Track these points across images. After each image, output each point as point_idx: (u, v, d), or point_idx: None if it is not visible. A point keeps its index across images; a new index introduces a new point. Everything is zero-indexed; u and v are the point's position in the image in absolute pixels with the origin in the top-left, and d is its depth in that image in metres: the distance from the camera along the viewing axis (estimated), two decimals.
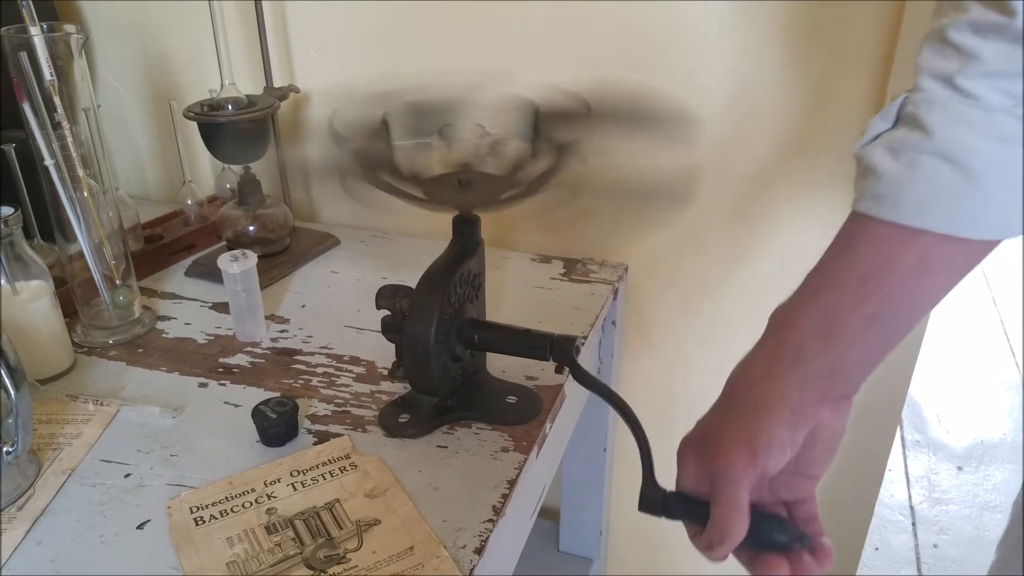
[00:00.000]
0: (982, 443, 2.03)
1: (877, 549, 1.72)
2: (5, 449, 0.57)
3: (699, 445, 0.52)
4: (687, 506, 0.52)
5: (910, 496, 1.87)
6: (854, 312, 0.46)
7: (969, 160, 0.42)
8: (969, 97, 0.42)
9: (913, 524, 1.79)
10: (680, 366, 1.03)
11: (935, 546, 1.73)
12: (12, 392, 0.56)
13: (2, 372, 0.56)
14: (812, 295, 0.48)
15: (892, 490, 1.88)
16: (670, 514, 0.53)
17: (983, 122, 0.42)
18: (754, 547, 0.51)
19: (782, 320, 0.49)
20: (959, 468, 1.95)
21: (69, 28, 0.70)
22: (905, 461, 1.98)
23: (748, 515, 0.48)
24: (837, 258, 0.47)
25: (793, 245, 0.90)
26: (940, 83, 0.43)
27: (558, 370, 0.62)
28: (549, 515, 1.18)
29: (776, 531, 0.50)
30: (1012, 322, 2.55)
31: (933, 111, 0.43)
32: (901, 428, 2.09)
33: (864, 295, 0.45)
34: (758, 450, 0.47)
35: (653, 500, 0.53)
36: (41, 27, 0.68)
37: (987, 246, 0.45)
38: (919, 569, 1.67)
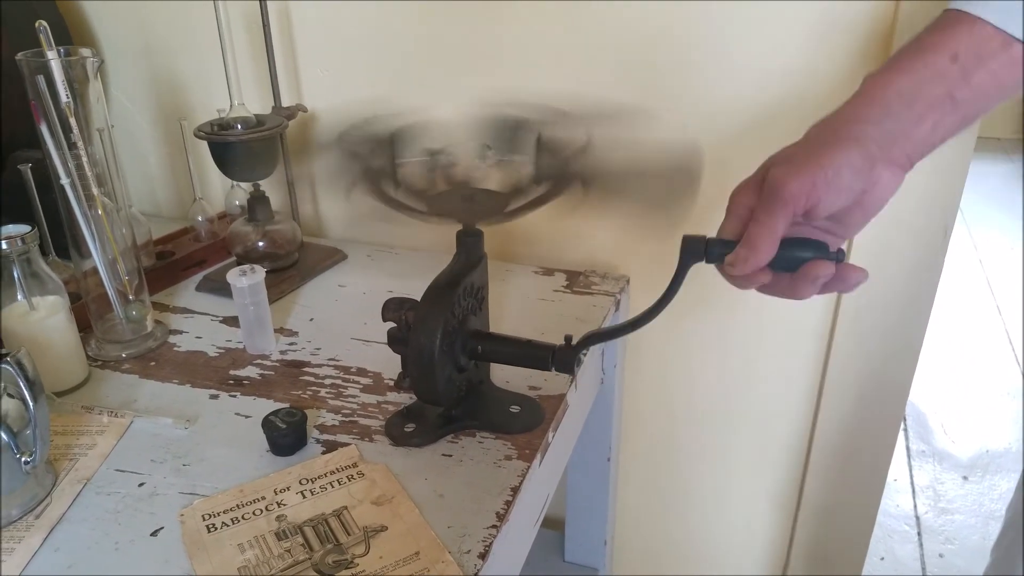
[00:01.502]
0: (987, 453, 2.03)
1: (883, 559, 1.72)
2: (24, 459, 0.58)
3: (760, 178, 0.53)
4: (728, 248, 0.53)
5: (915, 506, 1.87)
6: (939, 84, 0.49)
7: None
8: None
9: (919, 534, 1.79)
10: (682, 376, 1.05)
11: (941, 556, 1.73)
12: (31, 404, 0.58)
13: (22, 385, 0.58)
14: (906, 62, 0.51)
15: (898, 500, 1.88)
16: (709, 256, 0.55)
17: None
18: (787, 269, 0.52)
19: (875, 79, 0.52)
20: (964, 478, 1.96)
21: (85, 52, 0.73)
22: (911, 471, 1.98)
23: (779, 239, 0.50)
24: (933, 35, 0.50)
25: None
26: None
27: (564, 369, 0.64)
28: (554, 525, 1.19)
29: (809, 249, 0.52)
30: (1017, 331, 2.56)
31: None
32: (906, 438, 2.09)
33: (952, 71, 0.49)
34: (819, 181, 0.49)
35: (694, 246, 0.55)
36: (58, 51, 0.71)
37: None
38: None
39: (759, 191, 0.53)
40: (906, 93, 0.50)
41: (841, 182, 0.49)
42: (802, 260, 0.52)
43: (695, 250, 0.55)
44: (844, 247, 0.54)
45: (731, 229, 0.54)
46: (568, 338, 0.65)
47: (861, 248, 0.87)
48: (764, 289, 0.55)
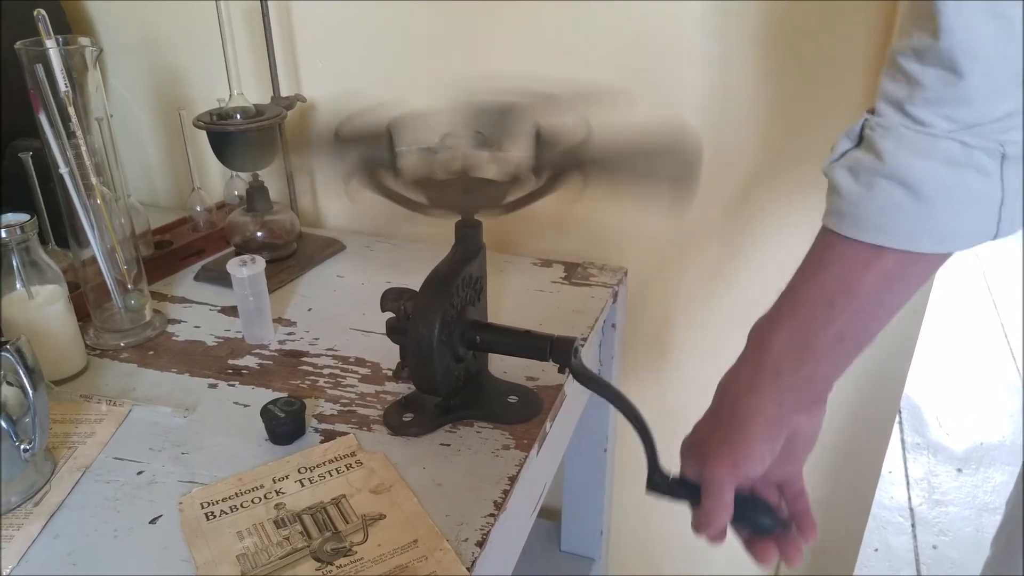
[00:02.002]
0: (982, 445, 2.04)
1: (877, 550, 1.73)
2: (23, 447, 0.59)
3: (693, 448, 0.58)
4: (688, 489, 0.58)
5: (910, 498, 1.88)
6: (824, 331, 0.50)
7: (919, 183, 0.45)
8: (917, 123, 0.45)
9: (913, 526, 1.80)
10: (678, 367, 1.05)
11: (935, 547, 1.74)
12: (30, 392, 0.58)
13: (21, 373, 0.58)
14: (785, 316, 0.52)
15: (892, 492, 1.89)
16: (674, 495, 0.59)
17: (930, 147, 0.44)
18: (745, 527, 0.57)
19: (760, 338, 0.54)
20: (959, 470, 1.97)
21: (84, 41, 0.73)
22: (905, 463, 1.99)
23: (730, 508, 0.54)
24: (807, 280, 0.51)
25: (787, 249, 0.91)
26: (893, 108, 0.46)
27: (560, 370, 0.64)
28: (551, 515, 1.19)
29: (762, 516, 0.56)
30: (1012, 325, 2.56)
31: (886, 137, 0.46)
32: (901, 430, 2.10)
33: (832, 316, 0.50)
34: (739, 461, 0.53)
35: (659, 483, 0.60)
36: (56, 40, 0.71)
37: (942, 257, 0.48)
38: (918, 570, 1.69)
39: (695, 456, 0.57)
40: (791, 349, 0.51)
41: (760, 451, 0.53)
42: (754, 524, 0.57)
43: (659, 484, 0.60)
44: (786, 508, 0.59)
45: (688, 475, 0.58)
46: (567, 339, 0.65)
47: None
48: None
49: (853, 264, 0.48)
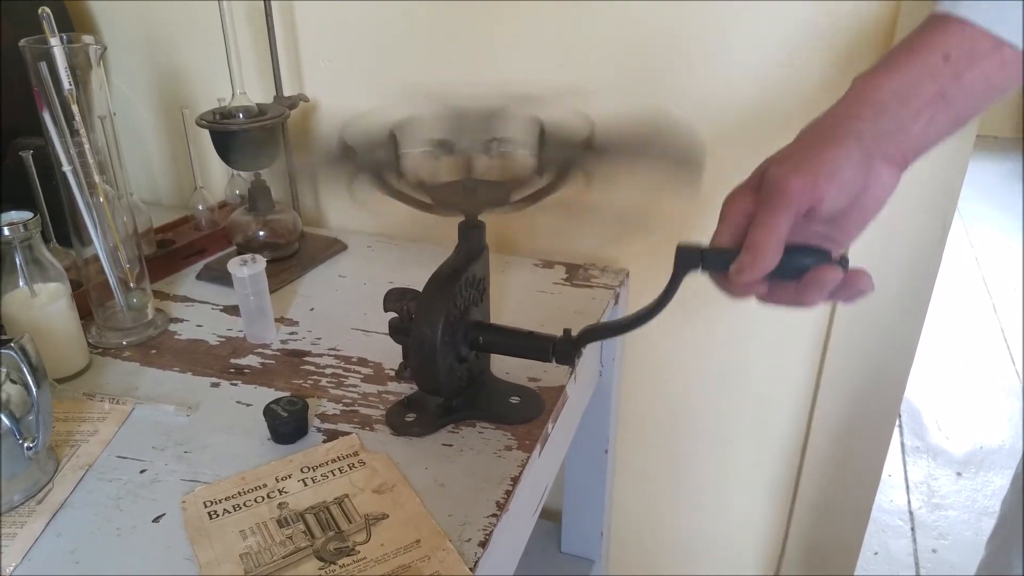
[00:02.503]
0: (981, 449, 2.05)
1: (876, 554, 1.73)
2: (26, 445, 0.59)
3: (757, 181, 0.53)
4: (724, 256, 0.52)
5: (909, 501, 1.88)
6: (932, 82, 0.49)
7: None
8: None
9: (912, 529, 1.80)
10: (680, 370, 1.05)
11: (934, 551, 1.74)
12: (34, 390, 0.58)
13: (25, 371, 0.58)
14: (898, 61, 0.51)
15: (891, 495, 1.89)
16: (706, 265, 0.54)
17: None
18: (789, 277, 0.52)
19: (866, 81, 0.52)
20: (958, 474, 1.97)
21: (88, 39, 0.73)
22: (905, 466, 1.99)
23: (783, 242, 0.50)
24: (924, 36, 0.51)
25: None
26: None
27: (564, 360, 0.64)
28: (551, 516, 1.19)
29: (811, 255, 0.51)
30: (1012, 329, 2.57)
31: None
32: (901, 434, 2.10)
33: (944, 71, 0.49)
34: (820, 177, 0.49)
35: (690, 255, 0.54)
36: (61, 38, 0.71)
37: None
38: (918, 573, 1.69)
39: (755, 195, 0.52)
40: (899, 91, 0.50)
41: (842, 177, 0.49)
42: (805, 267, 0.51)
43: (690, 260, 0.54)
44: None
45: (727, 236, 0.54)
46: (567, 332, 0.65)
47: (859, 244, 0.87)
48: (769, 299, 0.54)
49: (977, 41, 0.49)
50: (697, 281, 0.98)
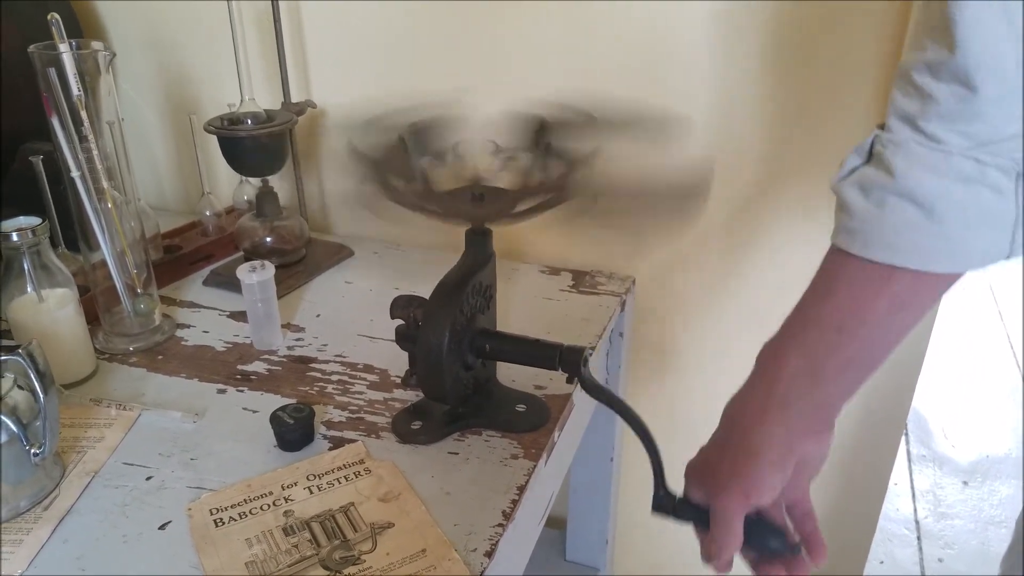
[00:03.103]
0: (988, 458, 2.04)
1: (882, 562, 1.72)
2: (33, 451, 0.59)
3: (700, 474, 0.57)
4: (695, 511, 0.57)
5: (915, 510, 1.87)
6: (833, 357, 0.49)
7: (932, 201, 0.44)
8: (930, 140, 0.44)
9: (918, 538, 1.79)
10: (685, 377, 1.05)
11: (940, 560, 1.73)
12: (41, 396, 0.58)
13: (32, 376, 0.58)
14: (794, 341, 0.51)
15: (898, 504, 1.89)
16: (679, 516, 0.58)
17: (943, 165, 0.44)
18: (753, 551, 0.56)
19: (769, 364, 0.53)
20: (964, 483, 1.96)
21: (97, 45, 0.73)
22: (911, 475, 1.98)
23: (740, 538, 0.54)
24: (817, 302, 0.50)
25: (795, 260, 0.92)
26: (905, 124, 0.45)
27: (569, 380, 0.64)
28: (556, 524, 1.19)
29: (771, 540, 0.56)
30: (1018, 337, 2.56)
31: (898, 153, 0.45)
32: (907, 442, 2.09)
33: (841, 341, 0.49)
34: (750, 491, 0.52)
35: (665, 504, 0.58)
36: (70, 44, 0.71)
37: (954, 277, 0.47)
38: None
39: (702, 481, 0.56)
40: (800, 376, 0.51)
41: (770, 482, 0.52)
42: (766, 548, 0.56)
43: (664, 507, 0.59)
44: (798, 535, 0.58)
45: (693, 498, 0.58)
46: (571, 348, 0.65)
47: None
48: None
49: (863, 286, 0.48)
50: (701, 291, 0.98)
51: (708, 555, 0.56)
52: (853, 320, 0.48)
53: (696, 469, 0.58)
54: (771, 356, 0.53)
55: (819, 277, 0.51)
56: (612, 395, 0.63)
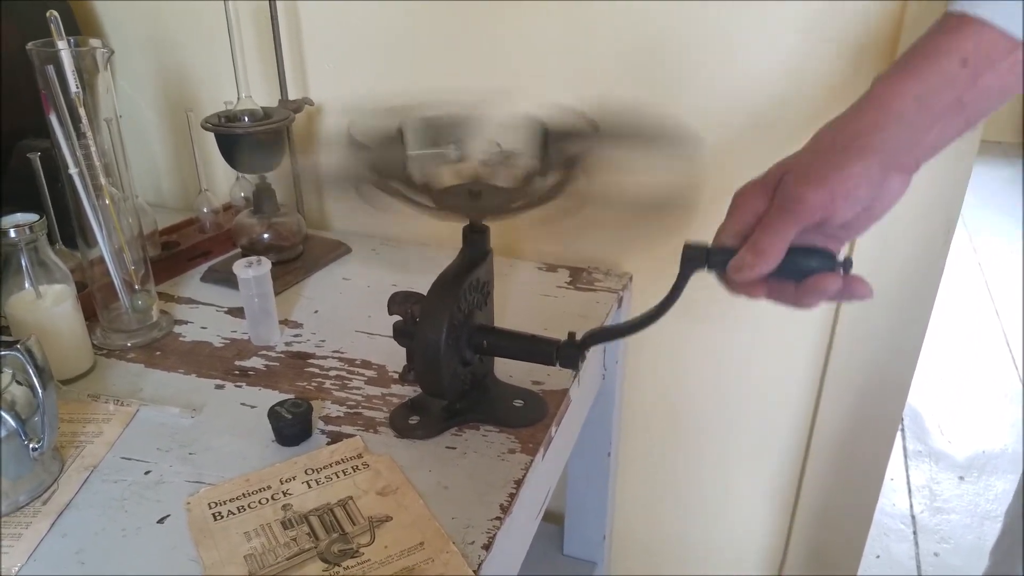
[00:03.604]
0: (983, 453, 2.04)
1: (878, 557, 1.73)
2: (32, 446, 0.59)
3: (772, 182, 0.53)
4: (728, 256, 0.53)
5: (911, 505, 1.88)
6: (950, 88, 0.49)
7: None
8: None
9: (914, 533, 1.80)
10: (683, 374, 1.05)
11: (936, 555, 1.74)
12: (39, 391, 0.59)
13: (31, 372, 0.58)
14: (917, 66, 0.50)
15: (894, 499, 1.89)
16: (711, 263, 0.55)
17: None
18: (791, 277, 0.52)
19: (888, 87, 0.51)
20: (960, 478, 1.97)
21: (95, 42, 0.73)
22: (907, 470, 1.99)
23: (787, 248, 0.51)
24: (940, 38, 0.50)
25: None
26: None
27: (568, 364, 0.64)
28: (554, 519, 1.20)
29: (816, 258, 0.52)
30: (1014, 333, 2.56)
31: None
32: (903, 438, 2.10)
33: (962, 76, 0.49)
34: (838, 193, 0.50)
35: (695, 254, 0.55)
36: (68, 41, 0.71)
37: None
38: None
39: (767, 195, 0.53)
40: (920, 99, 0.50)
41: (859, 194, 0.50)
42: (808, 269, 0.52)
43: (696, 258, 0.55)
44: (845, 248, 0.54)
45: (733, 231, 0.55)
46: (571, 335, 0.65)
47: (863, 249, 0.87)
48: (768, 296, 0.55)
49: (992, 41, 0.48)
50: (701, 286, 0.99)
51: (742, 263, 0.52)
52: (976, 60, 0.49)
53: (762, 183, 0.54)
54: (890, 81, 0.51)
55: (940, 25, 0.51)
56: (615, 328, 0.63)
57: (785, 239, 0.51)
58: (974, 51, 0.49)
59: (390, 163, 0.63)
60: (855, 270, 0.53)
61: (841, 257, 0.53)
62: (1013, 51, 0.48)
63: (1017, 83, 0.50)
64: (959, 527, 1.81)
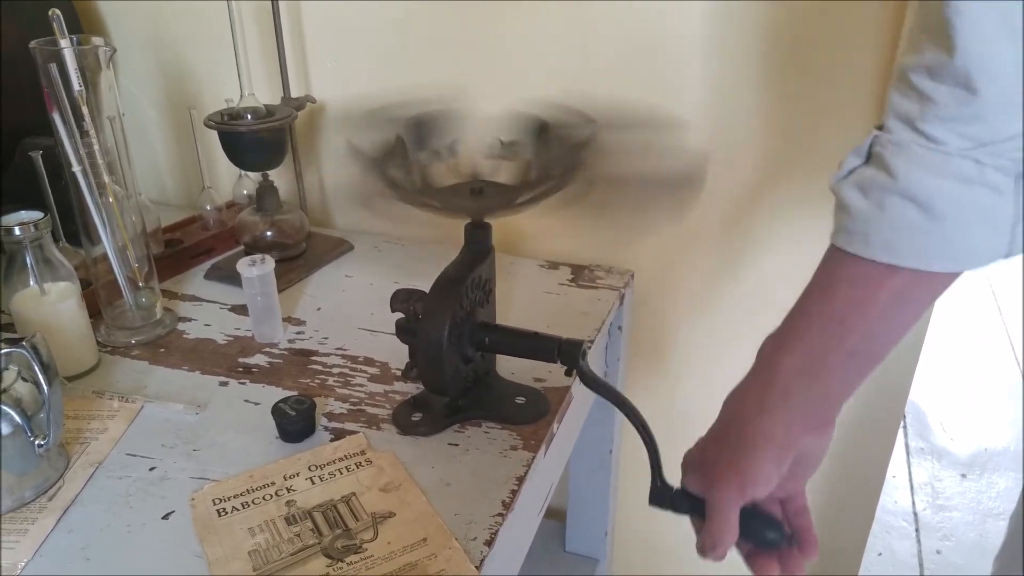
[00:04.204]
0: (986, 451, 2.04)
1: (880, 555, 1.73)
2: (37, 442, 0.59)
3: (698, 465, 0.57)
4: (691, 502, 0.57)
5: (914, 503, 1.88)
6: (836, 349, 0.50)
7: (931, 201, 0.44)
8: (930, 140, 0.44)
9: (917, 530, 1.80)
10: (683, 371, 1.06)
11: (938, 552, 1.74)
12: (45, 388, 0.59)
13: (36, 369, 0.58)
14: (795, 334, 0.52)
15: (896, 496, 1.90)
16: (676, 508, 0.58)
17: (943, 165, 0.44)
18: (749, 542, 0.56)
19: (770, 357, 0.53)
20: (963, 475, 1.97)
21: (98, 41, 0.73)
22: (909, 468, 1.99)
23: (736, 530, 0.53)
24: (818, 298, 0.51)
25: (791, 256, 0.92)
26: (904, 125, 0.45)
27: (568, 372, 0.65)
28: (556, 516, 1.20)
29: (767, 530, 0.55)
30: (1017, 331, 2.56)
31: (897, 154, 0.45)
32: (905, 435, 2.10)
33: (843, 333, 0.49)
34: (747, 484, 0.52)
35: (662, 496, 0.59)
36: (71, 39, 0.71)
37: (954, 276, 0.48)
38: (922, 574, 1.69)
39: (700, 473, 0.56)
40: (802, 369, 0.51)
41: (766, 477, 0.52)
42: (763, 539, 0.56)
43: (662, 499, 0.59)
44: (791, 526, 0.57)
45: (690, 489, 0.57)
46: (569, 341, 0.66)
47: None
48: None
49: (864, 283, 0.48)
50: (703, 286, 0.99)
51: (704, 547, 0.55)
52: (855, 313, 0.48)
53: (693, 460, 0.58)
54: (773, 349, 0.53)
55: (819, 274, 0.51)
56: (610, 387, 0.64)
57: (730, 525, 0.53)
58: (848, 304, 0.48)
59: (391, 165, 0.63)
60: None
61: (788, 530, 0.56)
62: (887, 279, 0.47)
63: (905, 313, 0.49)
64: (961, 524, 1.82)
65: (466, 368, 0.67)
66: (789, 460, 0.52)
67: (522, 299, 0.91)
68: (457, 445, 0.67)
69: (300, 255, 0.98)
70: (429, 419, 0.69)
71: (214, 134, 0.90)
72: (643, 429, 0.60)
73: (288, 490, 0.61)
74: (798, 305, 0.52)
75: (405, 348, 0.68)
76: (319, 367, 0.77)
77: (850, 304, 0.48)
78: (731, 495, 0.53)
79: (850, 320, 0.49)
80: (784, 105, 0.86)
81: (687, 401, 1.07)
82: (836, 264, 0.50)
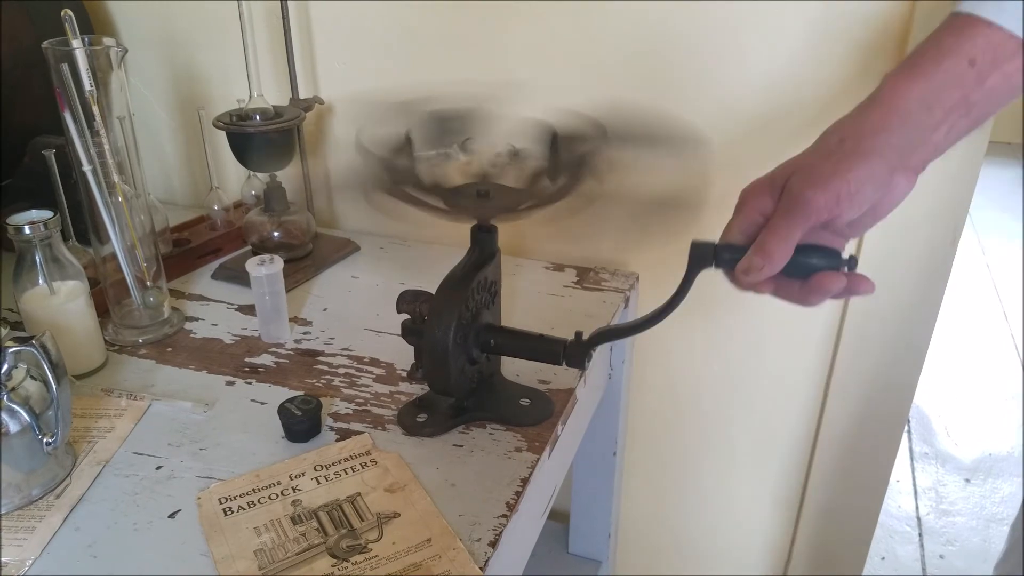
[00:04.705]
0: (990, 456, 2.04)
1: (884, 559, 1.73)
2: (45, 440, 0.60)
3: (779, 182, 0.54)
4: (736, 254, 0.54)
5: (917, 507, 1.88)
6: (956, 88, 0.50)
7: None
8: None
9: (920, 535, 1.80)
10: (689, 373, 1.06)
11: (941, 557, 1.74)
12: (54, 386, 0.59)
13: (45, 367, 0.59)
14: (924, 66, 0.51)
15: (899, 501, 1.89)
16: (718, 261, 0.56)
17: None
18: (797, 276, 0.53)
19: (894, 88, 0.52)
20: (967, 480, 1.96)
21: (109, 41, 0.74)
22: (913, 472, 1.99)
23: (791, 251, 0.51)
24: (949, 38, 0.51)
25: None
26: None
27: (574, 364, 0.65)
28: (559, 517, 1.20)
29: (822, 257, 0.53)
30: (1021, 336, 2.56)
31: None
32: (909, 440, 2.10)
33: (969, 76, 0.50)
34: (843, 195, 0.50)
35: (703, 252, 0.56)
36: (83, 40, 0.72)
37: None
38: None
39: (774, 194, 0.54)
40: (926, 100, 0.50)
41: (864, 195, 0.50)
42: (814, 268, 0.53)
43: (704, 256, 0.56)
44: (853, 249, 0.54)
45: (740, 229, 0.55)
46: (578, 334, 0.66)
47: (870, 250, 0.88)
48: (775, 293, 0.56)
49: (999, 43, 0.49)
50: (707, 285, 0.99)
51: (749, 265, 0.53)
52: (984, 61, 0.49)
53: (768, 181, 0.55)
54: (897, 79, 0.52)
55: (948, 26, 0.51)
56: (621, 326, 0.64)
57: (791, 241, 0.51)
58: (981, 51, 0.49)
59: (399, 167, 0.63)
60: (863, 269, 0.54)
61: (846, 255, 0.54)
62: (1018, 53, 0.49)
63: (1018, 88, 0.50)
64: (965, 529, 1.81)
65: (471, 369, 0.68)
66: (882, 191, 0.51)
67: (527, 301, 0.91)
68: (462, 446, 0.67)
69: (307, 256, 0.99)
70: (434, 420, 0.69)
71: (222, 134, 0.90)
72: (669, 305, 0.59)
73: (294, 490, 0.61)
74: (926, 44, 0.52)
75: (411, 349, 0.68)
76: (325, 367, 0.78)
77: (982, 50, 0.49)
78: (822, 202, 0.50)
79: (979, 64, 0.49)
80: (796, 112, 0.86)
81: (694, 402, 1.07)
82: (968, 20, 0.50)
